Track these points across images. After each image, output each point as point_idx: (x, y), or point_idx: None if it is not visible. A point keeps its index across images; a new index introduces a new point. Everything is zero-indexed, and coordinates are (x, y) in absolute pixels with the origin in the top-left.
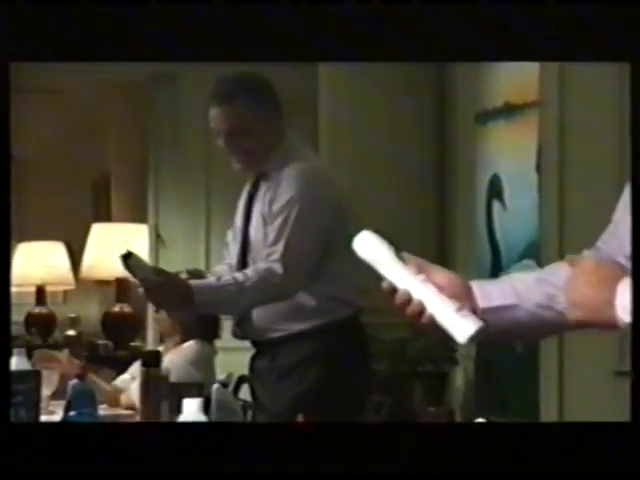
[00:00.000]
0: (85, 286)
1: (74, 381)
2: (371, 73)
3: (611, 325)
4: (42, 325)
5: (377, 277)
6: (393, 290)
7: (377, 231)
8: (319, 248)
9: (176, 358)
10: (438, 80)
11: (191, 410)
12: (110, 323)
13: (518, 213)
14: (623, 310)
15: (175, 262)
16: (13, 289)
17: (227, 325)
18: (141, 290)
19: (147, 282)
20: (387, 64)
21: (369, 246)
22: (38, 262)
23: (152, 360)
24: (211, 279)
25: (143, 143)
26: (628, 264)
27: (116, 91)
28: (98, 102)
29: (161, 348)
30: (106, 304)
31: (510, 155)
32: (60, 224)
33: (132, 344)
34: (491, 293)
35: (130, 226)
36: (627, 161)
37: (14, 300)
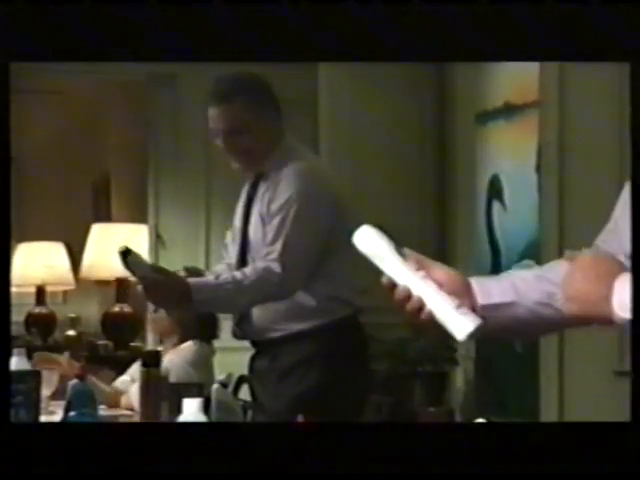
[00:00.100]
0: (85, 286)
1: (74, 381)
2: (371, 73)
3: (607, 320)
4: (42, 325)
5: (376, 276)
6: (393, 286)
7: (378, 227)
8: (318, 247)
9: (175, 358)
10: (438, 80)
11: (191, 410)
12: (110, 323)
13: (518, 213)
14: (619, 306)
15: (175, 262)
16: (13, 289)
17: (226, 325)
18: (139, 288)
19: (145, 280)
20: (387, 64)
21: (369, 240)
22: (38, 262)
23: (152, 360)
24: (210, 277)
25: (143, 143)
26: (627, 262)
27: (116, 91)
28: (98, 102)
29: (160, 348)
30: (106, 304)
31: (510, 155)
32: (60, 224)
33: (132, 344)
34: (491, 290)
35: (130, 226)
36: (627, 161)
37: (14, 300)
